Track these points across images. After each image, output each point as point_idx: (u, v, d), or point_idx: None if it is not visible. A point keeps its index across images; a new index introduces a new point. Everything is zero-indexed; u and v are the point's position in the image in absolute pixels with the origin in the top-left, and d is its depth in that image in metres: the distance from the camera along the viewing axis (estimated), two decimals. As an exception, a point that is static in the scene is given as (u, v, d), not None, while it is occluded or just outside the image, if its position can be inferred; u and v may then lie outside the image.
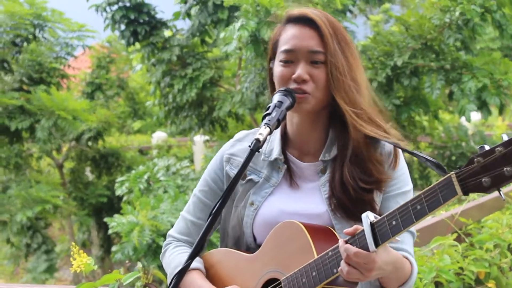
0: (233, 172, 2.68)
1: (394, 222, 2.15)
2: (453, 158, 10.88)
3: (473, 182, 1.98)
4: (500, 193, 1.98)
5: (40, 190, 12.28)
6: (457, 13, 8.48)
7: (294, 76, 2.45)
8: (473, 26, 8.48)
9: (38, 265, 12.94)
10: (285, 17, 2.58)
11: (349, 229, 2.26)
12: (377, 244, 2.19)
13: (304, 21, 2.51)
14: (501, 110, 9.03)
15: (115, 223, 8.27)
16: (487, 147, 1.97)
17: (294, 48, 2.48)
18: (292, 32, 2.51)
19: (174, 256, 2.77)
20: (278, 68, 2.52)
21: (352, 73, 2.48)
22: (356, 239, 2.23)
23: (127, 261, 3.36)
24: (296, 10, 2.55)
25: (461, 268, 4.16)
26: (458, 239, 4.32)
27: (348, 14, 10.79)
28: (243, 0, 8.37)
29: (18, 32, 12.87)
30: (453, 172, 2.02)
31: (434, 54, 8.98)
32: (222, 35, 9.06)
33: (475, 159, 1.97)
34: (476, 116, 15.26)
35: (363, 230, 2.21)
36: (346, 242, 2.25)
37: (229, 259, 2.68)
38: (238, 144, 2.75)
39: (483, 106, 8.68)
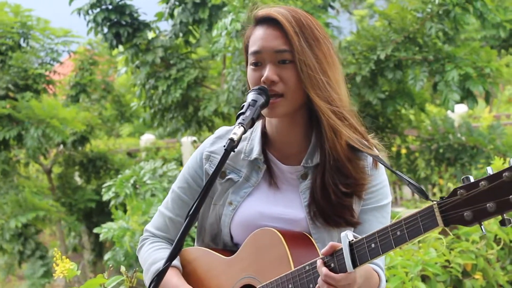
0: (212, 170, 2.66)
1: (373, 245, 2.14)
2: (441, 150, 10.86)
3: (454, 214, 1.97)
4: (481, 228, 1.97)
5: (32, 197, 12.23)
6: (436, 1, 8.49)
7: (262, 78, 2.42)
8: (455, 16, 8.50)
9: (34, 271, 12.87)
10: (252, 18, 2.56)
11: (326, 249, 2.25)
12: (355, 265, 2.18)
13: (269, 21, 2.48)
14: (487, 98, 9.07)
15: (106, 229, 8.21)
16: (471, 179, 1.95)
17: (260, 49, 2.46)
18: (258, 34, 2.50)
19: (150, 252, 2.76)
20: (249, 71, 2.51)
21: (323, 70, 2.44)
22: (334, 258, 2.23)
23: (110, 265, 3.32)
24: (262, 11, 2.53)
25: (447, 260, 4.16)
26: (444, 232, 4.31)
27: (331, 10, 10.77)
28: None
29: (3, 41, 12.82)
30: (435, 202, 2.00)
31: (417, 47, 8.99)
32: (214, 32, 9.05)
33: (458, 191, 1.96)
34: (463, 108, 15.27)
35: (341, 249, 2.20)
36: (325, 263, 2.24)
37: (205, 259, 2.67)
38: (219, 141, 2.72)
39: (468, 95, 8.70)
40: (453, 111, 8.95)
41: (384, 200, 2.58)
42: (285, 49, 2.43)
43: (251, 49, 2.50)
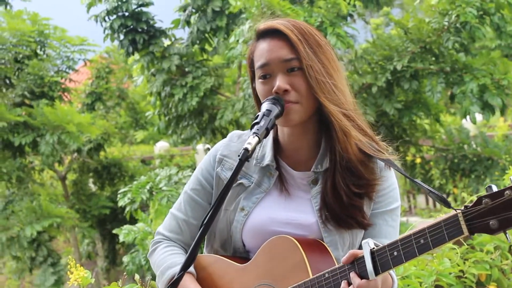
0: (224, 174, 2.69)
1: (395, 253, 2.16)
2: (456, 160, 10.81)
3: (480, 223, 1.99)
4: (506, 236, 1.99)
5: (48, 205, 12.24)
6: (453, 17, 8.48)
7: (274, 89, 2.45)
8: (471, 29, 8.48)
9: (46, 278, 12.83)
10: (255, 34, 2.60)
11: (346, 257, 2.27)
12: (377, 273, 2.19)
13: (272, 33, 2.52)
14: (503, 110, 9.02)
15: (126, 230, 8.19)
16: (494, 188, 1.97)
17: (268, 61, 2.48)
18: (263, 47, 2.53)
19: (166, 255, 2.74)
20: (259, 85, 2.53)
21: (330, 74, 2.48)
22: (355, 266, 2.24)
23: (124, 273, 3.34)
24: (263, 24, 2.57)
25: (461, 271, 4.13)
26: (458, 243, 4.29)
27: (348, 19, 10.77)
28: (250, 2, 8.37)
29: (20, 49, 12.90)
30: (460, 211, 2.02)
31: (433, 57, 8.97)
32: (232, 39, 9.07)
33: (483, 200, 1.97)
34: (478, 118, 15.19)
35: (362, 257, 2.22)
36: (349, 284, 2.25)
37: (218, 266, 2.67)
38: (232, 145, 2.75)
39: (485, 106, 8.67)
40: (475, 122, 8.92)
41: (394, 203, 2.60)
42: (292, 57, 2.46)
43: (258, 62, 2.52)
